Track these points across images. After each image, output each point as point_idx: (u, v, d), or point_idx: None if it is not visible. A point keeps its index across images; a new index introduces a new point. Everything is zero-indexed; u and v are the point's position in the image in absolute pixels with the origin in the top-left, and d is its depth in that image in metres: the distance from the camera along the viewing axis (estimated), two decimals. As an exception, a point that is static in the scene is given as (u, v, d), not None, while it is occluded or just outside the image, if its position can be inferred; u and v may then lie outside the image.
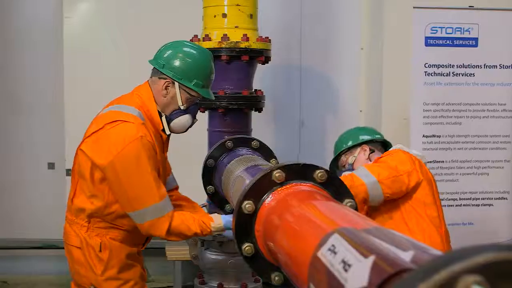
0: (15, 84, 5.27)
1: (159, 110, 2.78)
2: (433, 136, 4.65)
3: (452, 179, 4.70)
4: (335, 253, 1.18)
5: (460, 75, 4.67)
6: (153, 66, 2.81)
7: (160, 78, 2.77)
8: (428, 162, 4.50)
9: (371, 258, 1.06)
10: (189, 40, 3.44)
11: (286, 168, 1.91)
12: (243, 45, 3.28)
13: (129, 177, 2.61)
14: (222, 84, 3.37)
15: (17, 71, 5.29)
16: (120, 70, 4.84)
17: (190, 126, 2.88)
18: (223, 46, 3.28)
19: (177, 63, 2.75)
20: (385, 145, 3.28)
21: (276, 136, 5.44)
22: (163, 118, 2.79)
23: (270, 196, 1.89)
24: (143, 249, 3.04)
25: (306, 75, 5.49)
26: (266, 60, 3.47)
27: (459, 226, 4.64)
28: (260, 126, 5.39)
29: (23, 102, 5.32)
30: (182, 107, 2.78)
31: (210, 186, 2.99)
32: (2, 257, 5.41)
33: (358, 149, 3.22)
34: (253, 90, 3.50)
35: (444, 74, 4.66)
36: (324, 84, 5.51)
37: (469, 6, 4.68)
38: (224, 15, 3.33)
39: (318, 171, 1.90)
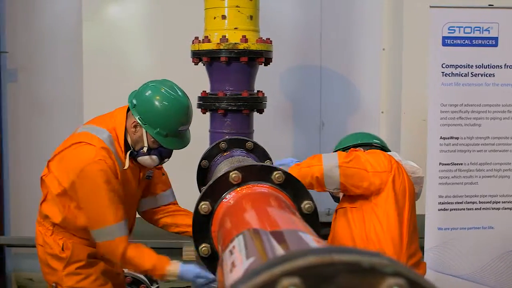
0: (37, 85, 5.39)
1: (130, 144, 2.85)
2: (451, 138, 4.55)
3: (471, 182, 4.59)
4: (231, 254, 1.19)
5: (480, 75, 4.56)
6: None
7: (133, 114, 2.81)
8: (445, 164, 4.44)
9: (250, 260, 1.06)
10: (191, 41, 3.47)
11: (243, 169, 1.91)
12: (241, 46, 3.28)
13: (86, 198, 2.71)
14: (222, 86, 3.38)
15: (40, 72, 5.42)
16: (139, 72, 4.91)
17: (160, 164, 2.94)
18: (221, 47, 3.29)
19: (146, 108, 2.77)
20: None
21: (296, 137, 5.43)
22: (127, 154, 2.83)
23: (227, 197, 1.89)
24: None
25: (326, 76, 5.46)
26: (267, 61, 3.46)
27: (478, 229, 4.53)
28: (280, 127, 5.42)
29: (44, 103, 5.44)
30: (147, 147, 2.82)
31: (204, 187, 3.01)
32: (27, 254, 5.54)
33: None
34: (255, 91, 3.50)
35: (463, 75, 4.55)
36: (345, 85, 5.46)
37: (489, 5, 4.57)
38: (224, 17, 3.34)
39: (275, 172, 1.90)
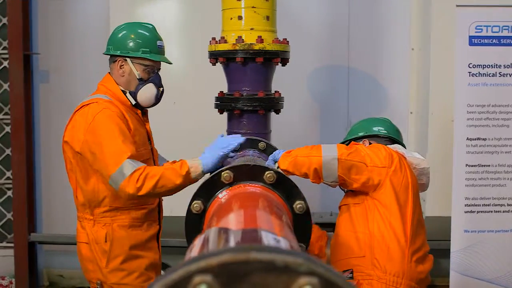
0: (68, 86, 5.50)
1: (124, 89, 2.99)
2: (478, 139, 4.46)
3: (499, 184, 4.49)
4: (190, 250, 1.20)
5: (508, 75, 4.46)
6: (108, 58, 3.05)
7: (113, 62, 3.00)
8: (472, 166, 4.36)
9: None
10: (209, 42, 3.50)
11: (234, 169, 1.93)
12: (257, 47, 3.29)
13: (100, 143, 2.76)
14: (238, 86, 3.40)
15: (70, 73, 5.52)
16: (169, 73, 4.93)
17: (159, 96, 3.04)
18: (237, 48, 3.31)
19: (120, 41, 2.97)
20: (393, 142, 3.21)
21: (323, 137, 5.41)
22: (128, 94, 2.98)
23: (219, 196, 1.91)
24: (160, 233, 3.12)
25: (354, 76, 5.43)
26: (284, 61, 3.46)
27: (506, 232, 4.44)
28: (307, 128, 5.40)
29: (75, 103, 5.53)
30: (140, 78, 2.97)
31: None
32: (58, 251, 5.67)
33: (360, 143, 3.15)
34: (272, 91, 3.50)
35: (490, 75, 4.46)
36: (373, 85, 5.42)
37: (518, 3, 4.48)
38: (240, 18, 3.35)
39: (267, 172, 1.91)
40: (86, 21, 5.46)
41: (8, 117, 5.48)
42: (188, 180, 2.72)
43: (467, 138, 4.49)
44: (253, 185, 1.91)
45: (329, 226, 3.98)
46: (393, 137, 3.21)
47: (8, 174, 5.59)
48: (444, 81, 4.77)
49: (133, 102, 3.00)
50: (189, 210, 1.92)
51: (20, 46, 5.27)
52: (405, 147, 3.26)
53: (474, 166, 4.40)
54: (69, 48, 5.51)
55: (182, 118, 5.01)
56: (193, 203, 1.91)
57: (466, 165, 4.37)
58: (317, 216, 5.36)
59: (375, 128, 3.25)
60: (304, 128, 5.39)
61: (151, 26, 3.07)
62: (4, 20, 5.47)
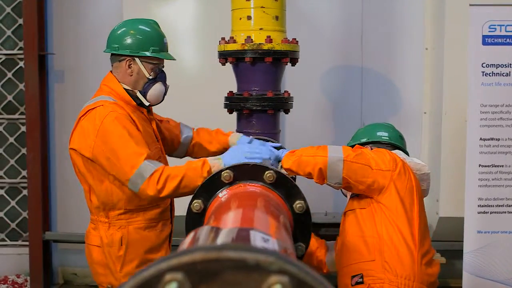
0: (83, 85, 5.54)
1: (131, 89, 2.96)
2: (492, 139, 4.42)
3: (513, 184, 4.46)
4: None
5: (522, 75, 4.43)
6: (110, 55, 3.03)
7: (120, 61, 2.97)
8: (486, 166, 4.33)
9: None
10: (218, 42, 3.51)
11: (234, 169, 1.93)
12: (266, 46, 3.29)
13: (113, 150, 2.73)
14: (247, 86, 3.40)
15: (85, 73, 5.56)
16: (182, 72, 4.97)
17: (165, 93, 3.05)
18: (246, 48, 3.31)
19: (129, 40, 2.94)
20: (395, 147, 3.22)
21: (337, 136, 5.39)
22: (138, 93, 2.96)
23: (220, 195, 1.92)
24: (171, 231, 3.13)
25: (367, 76, 5.41)
26: (293, 61, 3.45)
27: (521, 234, 4.40)
28: (321, 127, 5.40)
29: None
30: (150, 77, 2.96)
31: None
32: (72, 250, 5.71)
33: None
34: (282, 91, 3.50)
35: (504, 74, 4.42)
36: (386, 85, 5.40)
37: (533, 2, 4.43)
38: (249, 18, 3.35)
39: (267, 172, 1.91)
40: (100, 21, 5.49)
41: (24, 116, 5.54)
42: None
43: (480, 138, 4.45)
44: (253, 184, 1.91)
45: (325, 226, 3.98)
46: (395, 144, 3.21)
47: (24, 173, 5.65)
48: (458, 81, 4.73)
49: (146, 103, 2.98)
50: (189, 209, 1.94)
51: (35, 46, 5.32)
52: (407, 154, 3.26)
53: (488, 166, 4.37)
54: (84, 48, 5.56)
55: (197, 118, 5.01)
56: (194, 202, 1.93)
57: (479, 165, 4.34)
58: (330, 216, 5.35)
59: (379, 134, 3.27)
60: (317, 128, 5.38)
61: (153, 22, 3.06)
62: (20, 21, 5.53)
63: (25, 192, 5.63)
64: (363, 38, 5.39)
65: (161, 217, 3.02)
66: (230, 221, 1.39)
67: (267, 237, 1.19)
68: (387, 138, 3.23)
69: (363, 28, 5.39)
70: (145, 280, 0.76)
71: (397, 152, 3.01)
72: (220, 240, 1.13)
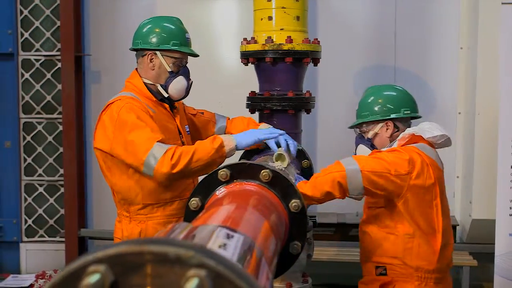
0: (119, 86, 5.62)
1: (153, 83, 3.02)
2: (524, 140, 4.33)
3: (547, 185, 4.35)
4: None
5: (554, 74, 4.31)
6: (135, 53, 3.08)
7: (143, 56, 3.03)
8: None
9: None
10: (241, 42, 3.54)
11: (231, 167, 1.96)
12: (286, 47, 3.31)
13: (129, 139, 2.79)
14: (269, 86, 3.42)
15: (121, 73, 5.65)
16: (220, 73, 5.03)
17: (189, 88, 3.08)
18: (267, 48, 3.33)
19: (150, 35, 3.02)
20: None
21: (369, 138, 5.35)
22: (159, 87, 3.01)
23: (217, 193, 1.95)
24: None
25: (400, 76, 5.36)
26: (315, 61, 3.46)
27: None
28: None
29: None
30: (172, 71, 3.01)
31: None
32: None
33: (381, 124, 3.03)
34: (303, 91, 3.51)
35: (537, 74, 4.32)
36: (420, 85, 5.34)
37: None
38: (270, 18, 3.38)
39: (263, 171, 1.93)
40: (135, 22, 5.54)
41: (61, 116, 5.68)
42: (221, 153, 2.76)
43: (512, 139, 4.38)
44: (250, 183, 1.94)
45: (355, 227, 3.96)
46: (417, 115, 3.09)
47: (62, 171, 5.79)
48: (491, 80, 4.65)
49: (166, 95, 3.03)
50: (187, 207, 1.97)
51: (72, 48, 5.46)
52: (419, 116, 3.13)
53: (519, 167, 4.29)
54: (120, 49, 5.65)
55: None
56: (191, 200, 1.96)
57: (511, 166, 4.26)
58: (361, 216, 5.31)
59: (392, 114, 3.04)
60: (349, 129, 5.34)
61: (177, 19, 3.12)
62: (59, 23, 5.67)
63: (62, 189, 5.77)
64: (396, 37, 5.34)
65: (180, 212, 3.06)
66: (212, 218, 1.42)
67: (232, 234, 1.22)
68: (409, 110, 3.06)
69: (396, 28, 5.35)
70: (72, 270, 0.79)
71: (418, 129, 2.90)
72: (183, 236, 1.16)
